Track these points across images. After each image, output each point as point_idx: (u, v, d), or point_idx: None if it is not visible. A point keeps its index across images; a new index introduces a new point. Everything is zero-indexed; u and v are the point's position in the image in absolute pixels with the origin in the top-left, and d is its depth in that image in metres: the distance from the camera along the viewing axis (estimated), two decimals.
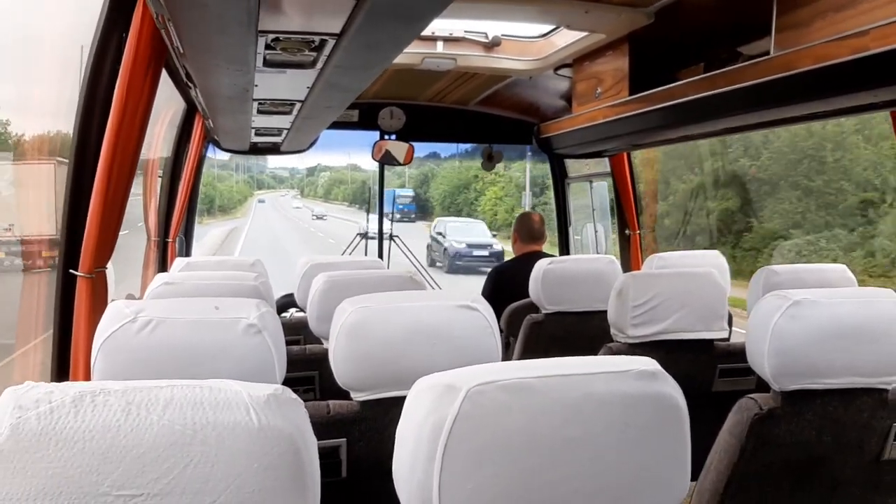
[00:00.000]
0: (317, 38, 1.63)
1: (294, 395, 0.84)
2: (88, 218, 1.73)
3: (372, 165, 4.64)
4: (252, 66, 1.77)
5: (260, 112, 2.51)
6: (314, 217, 36.11)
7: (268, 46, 1.69)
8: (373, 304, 1.57)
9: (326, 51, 1.72)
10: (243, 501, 0.77)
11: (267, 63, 1.82)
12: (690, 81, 2.45)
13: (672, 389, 0.94)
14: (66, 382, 0.79)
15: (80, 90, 1.81)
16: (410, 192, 31.48)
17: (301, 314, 3.22)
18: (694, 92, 2.43)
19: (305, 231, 30.31)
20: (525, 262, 3.57)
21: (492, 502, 0.88)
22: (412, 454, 0.88)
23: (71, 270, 1.78)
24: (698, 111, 2.50)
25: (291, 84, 2.03)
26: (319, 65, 1.84)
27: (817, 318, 1.53)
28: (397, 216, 5.93)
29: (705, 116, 2.51)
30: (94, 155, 1.74)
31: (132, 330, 1.39)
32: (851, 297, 1.59)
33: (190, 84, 2.20)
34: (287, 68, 1.86)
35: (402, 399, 1.50)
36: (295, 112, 2.54)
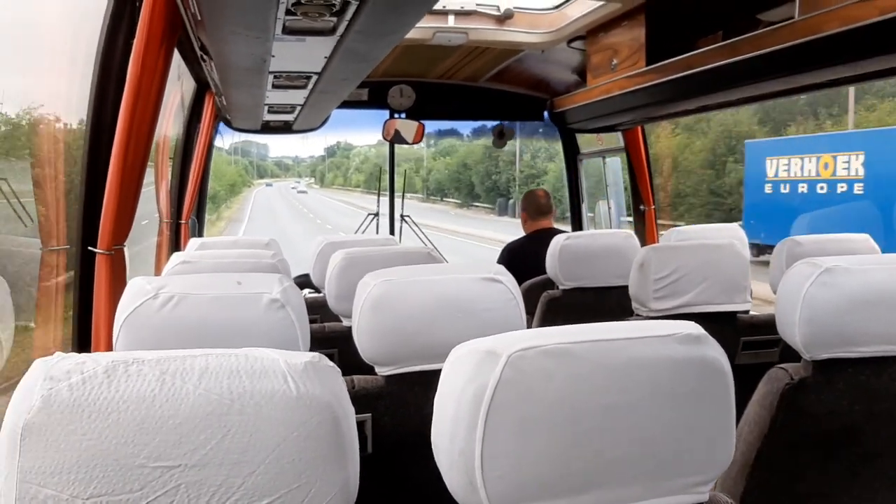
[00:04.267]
0: (338, 1, 1.59)
1: (330, 363, 0.82)
2: (105, 195, 1.71)
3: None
4: (271, 33, 1.73)
5: (275, 86, 2.48)
6: None
7: (288, 11, 1.65)
8: (396, 278, 1.55)
9: (348, 15, 1.68)
10: (283, 471, 0.75)
11: (286, 30, 1.78)
12: (710, 49, 2.40)
13: (717, 354, 0.92)
14: (96, 353, 0.77)
15: (93, 65, 1.78)
16: None
17: (316, 295, 3.21)
18: (714, 60, 2.39)
19: None
20: (537, 239, 3.54)
21: (535, 469, 0.86)
22: (453, 422, 0.86)
23: (90, 248, 1.76)
24: (718, 80, 2.45)
25: (309, 54, 2.00)
26: (340, 31, 1.81)
27: (849, 285, 1.50)
28: None
29: (725, 85, 2.46)
30: (110, 131, 1.72)
31: (154, 306, 1.37)
32: (883, 263, 1.56)
33: (205, 57, 2.17)
34: (306, 35, 1.82)
35: (427, 373, 1.49)
36: (310, 86, 2.50)
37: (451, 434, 0.87)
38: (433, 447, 0.91)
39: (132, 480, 0.72)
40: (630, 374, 0.87)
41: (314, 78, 2.37)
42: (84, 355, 0.76)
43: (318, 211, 34.03)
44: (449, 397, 0.88)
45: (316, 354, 0.81)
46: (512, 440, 0.85)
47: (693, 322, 0.94)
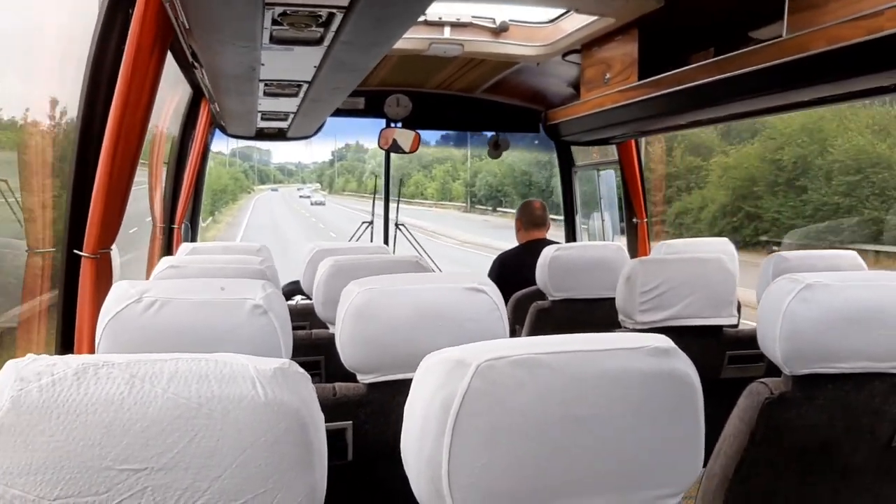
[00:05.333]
0: (324, 12, 1.60)
1: (301, 370, 0.82)
2: (93, 199, 1.72)
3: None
4: (259, 42, 1.75)
5: (266, 94, 2.49)
6: None
7: (275, 21, 1.67)
8: (379, 286, 1.55)
9: (334, 26, 1.70)
10: (249, 476, 0.76)
11: (274, 39, 1.80)
12: (701, 65, 2.42)
13: (686, 367, 0.92)
14: (68, 355, 0.78)
15: (84, 69, 1.79)
16: None
17: (307, 301, 3.21)
18: (704, 76, 2.41)
19: None
20: (529, 250, 3.55)
21: (502, 479, 0.86)
22: (421, 430, 0.87)
23: (75, 251, 1.77)
24: (708, 95, 2.47)
25: (298, 63, 2.01)
26: (327, 42, 1.82)
27: (830, 301, 1.51)
28: None
29: (715, 101, 2.48)
30: (99, 135, 1.73)
31: (137, 310, 1.38)
32: (864, 280, 1.57)
33: (196, 64, 2.18)
34: (294, 45, 1.83)
35: (408, 381, 1.49)
36: (302, 94, 2.52)
37: (419, 442, 0.87)
38: (402, 453, 0.92)
39: (98, 483, 0.72)
40: (599, 385, 0.88)
41: (305, 87, 2.39)
42: (56, 357, 0.77)
43: (342, 229, 23.25)
44: (418, 405, 0.89)
45: (286, 361, 0.82)
46: (480, 450, 0.85)
47: (663, 335, 0.95)
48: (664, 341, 0.93)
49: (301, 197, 42.82)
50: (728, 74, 2.28)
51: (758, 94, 2.27)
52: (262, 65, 1.98)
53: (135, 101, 1.66)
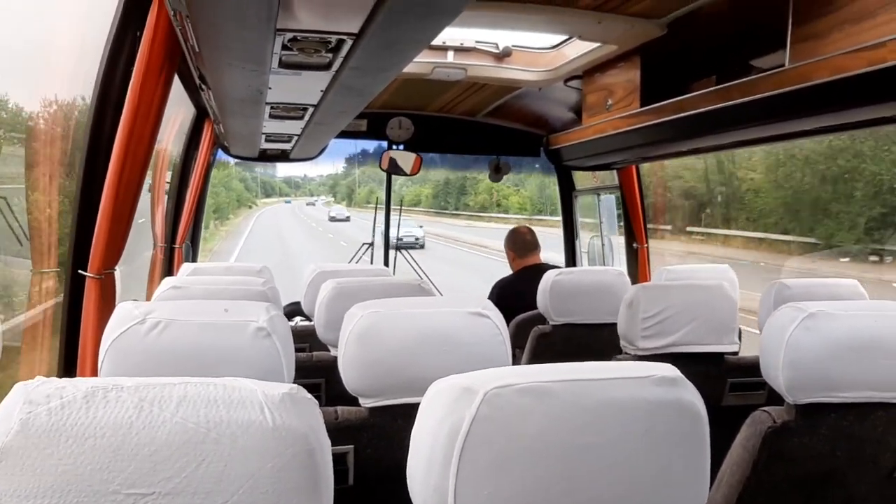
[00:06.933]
0: (334, 39, 1.62)
1: (309, 396, 0.82)
2: (98, 219, 1.72)
3: None
4: (268, 66, 1.76)
5: (272, 117, 2.51)
6: None
7: (284, 46, 1.68)
8: (383, 310, 1.55)
9: (343, 52, 1.71)
10: (256, 502, 0.75)
11: (283, 64, 1.81)
12: (703, 93, 2.44)
13: (692, 396, 0.92)
14: (77, 378, 0.78)
15: (93, 89, 1.81)
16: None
17: (307, 323, 3.20)
18: (706, 104, 2.42)
19: None
20: (527, 275, 3.55)
21: None
22: (428, 458, 0.87)
23: (80, 271, 1.77)
24: (710, 123, 2.49)
25: (305, 87, 2.03)
26: (335, 67, 1.84)
27: (833, 330, 1.51)
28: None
29: (717, 128, 2.50)
30: (106, 155, 1.73)
31: (141, 332, 1.37)
32: (867, 309, 1.57)
33: (203, 86, 2.20)
34: (302, 70, 1.85)
35: (411, 406, 1.49)
36: (307, 117, 2.53)
37: (425, 469, 0.87)
38: (408, 480, 0.91)
39: None
40: (606, 414, 0.88)
41: (311, 110, 2.40)
42: (65, 380, 0.76)
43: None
44: (425, 432, 0.88)
45: (294, 386, 0.81)
46: (486, 477, 0.85)
47: (670, 364, 0.95)
48: (670, 370, 0.93)
49: (307, 205, 39.35)
50: (730, 103, 2.30)
51: (759, 122, 2.29)
52: (270, 88, 1.99)
53: (142, 123, 1.67)
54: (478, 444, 0.85)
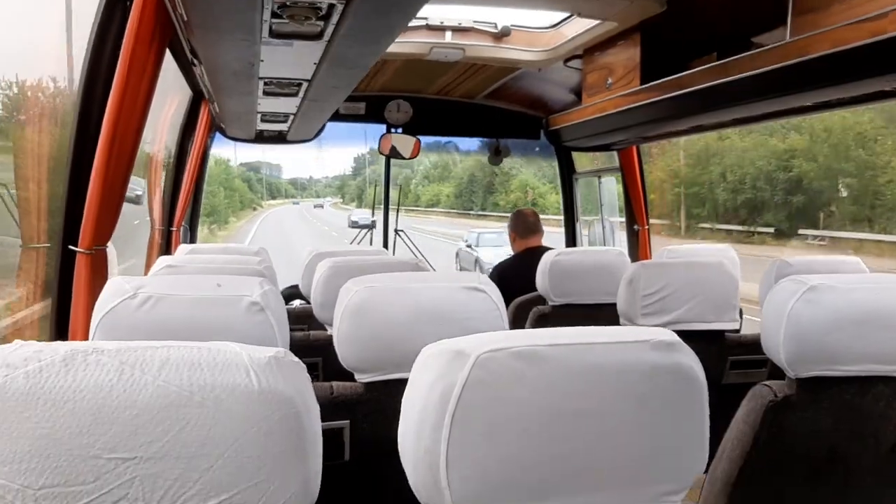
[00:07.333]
0: (325, 4, 1.59)
1: (296, 359, 0.80)
2: (88, 194, 1.70)
3: None
4: (258, 36, 1.74)
5: (266, 94, 2.48)
6: None
7: (274, 14, 1.66)
8: (378, 284, 1.54)
9: (334, 19, 1.68)
10: (241, 467, 0.74)
11: (273, 34, 1.78)
12: (703, 69, 2.41)
13: (691, 361, 0.90)
14: (56, 342, 0.76)
15: (83, 62, 1.78)
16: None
17: (305, 305, 3.19)
18: (707, 80, 2.39)
19: None
20: (526, 258, 3.53)
21: (501, 472, 0.84)
22: (419, 421, 0.85)
23: (70, 246, 1.75)
24: (711, 99, 2.46)
25: (298, 60, 2.00)
26: (326, 36, 1.81)
27: (834, 302, 1.49)
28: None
29: (718, 105, 2.47)
30: (96, 130, 1.71)
31: (131, 306, 1.35)
32: (869, 282, 1.55)
33: (195, 61, 2.17)
34: (294, 39, 1.82)
35: (406, 381, 1.48)
36: (301, 93, 2.50)
37: (417, 433, 0.85)
38: (399, 444, 0.90)
39: (86, 472, 0.70)
40: (601, 378, 0.86)
41: (305, 85, 2.38)
42: (43, 343, 0.75)
43: None
44: (416, 396, 0.87)
45: (281, 350, 0.80)
46: (478, 442, 0.83)
47: (668, 329, 0.93)
48: (668, 335, 0.91)
49: (316, 207, 38.32)
50: (731, 78, 2.27)
51: (761, 98, 2.26)
52: (262, 61, 1.96)
53: (132, 97, 1.65)
54: (470, 407, 0.83)
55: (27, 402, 0.69)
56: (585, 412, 0.85)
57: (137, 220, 4.09)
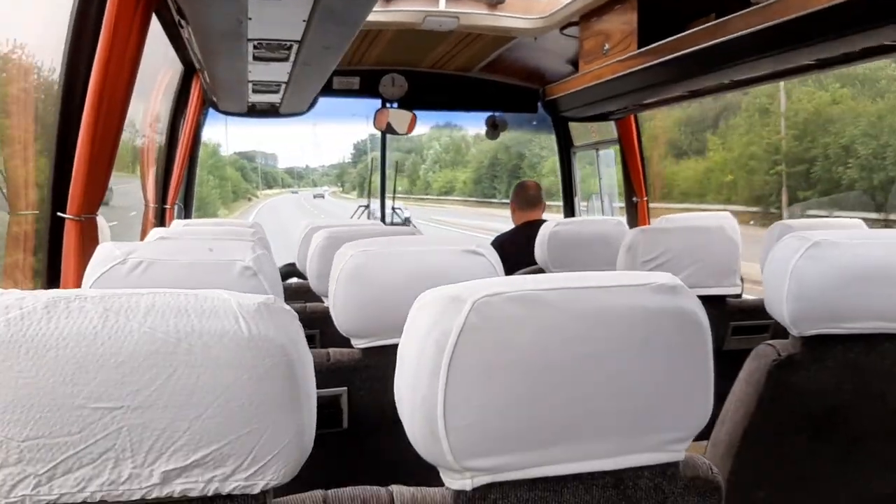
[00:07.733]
0: None
1: (287, 307, 0.78)
2: (76, 160, 1.66)
3: None
4: None
5: (256, 58, 2.44)
6: None
7: None
8: (374, 249, 1.51)
9: None
10: (232, 415, 0.71)
11: None
12: (701, 29, 2.37)
13: (693, 305, 0.87)
14: (38, 290, 0.73)
15: (68, 23, 1.73)
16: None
17: (302, 281, 3.17)
18: (704, 40, 2.35)
19: None
20: (525, 231, 3.51)
21: (500, 420, 0.81)
22: (415, 369, 0.82)
23: (59, 213, 1.72)
24: (709, 61, 2.41)
25: (286, 18, 1.95)
26: None
27: (838, 259, 1.46)
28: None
29: (717, 66, 2.42)
30: (82, 95, 1.67)
31: (122, 272, 1.33)
32: (874, 238, 1.52)
33: (182, 22, 2.12)
34: None
35: None
36: (292, 57, 2.46)
37: (413, 381, 0.82)
38: (395, 395, 0.87)
39: (71, 422, 0.68)
40: (602, 323, 0.83)
41: (295, 48, 2.33)
42: (25, 291, 0.72)
43: None
44: (412, 344, 0.84)
45: (271, 297, 0.77)
46: (476, 388, 0.80)
47: (670, 273, 0.90)
48: (670, 279, 0.88)
49: (315, 197, 36.99)
50: (729, 37, 2.22)
51: (761, 55, 2.21)
52: (250, 19, 1.92)
53: (118, 60, 1.61)
54: (467, 353, 0.80)
55: (9, 350, 0.67)
56: (586, 357, 0.83)
57: (134, 211, 4.06)
